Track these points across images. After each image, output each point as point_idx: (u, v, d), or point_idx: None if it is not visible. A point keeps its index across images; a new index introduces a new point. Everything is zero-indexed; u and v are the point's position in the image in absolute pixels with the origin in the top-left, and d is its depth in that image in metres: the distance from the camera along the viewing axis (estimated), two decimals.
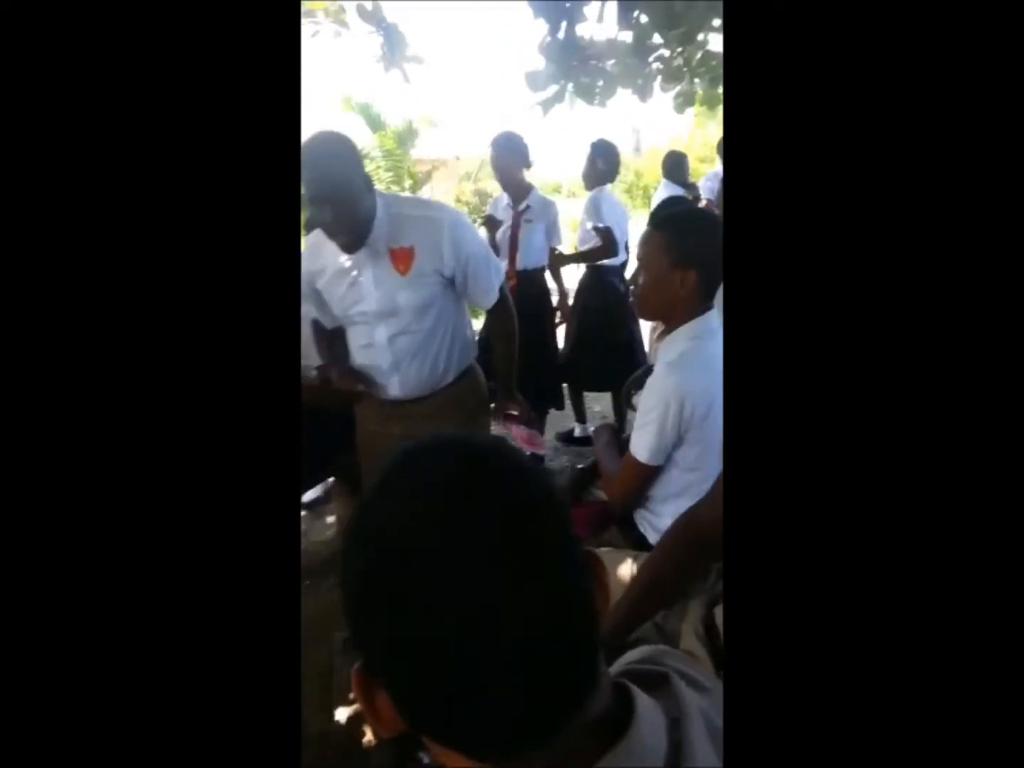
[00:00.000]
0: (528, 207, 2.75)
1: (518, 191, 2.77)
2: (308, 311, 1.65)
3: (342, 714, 1.61)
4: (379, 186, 2.87)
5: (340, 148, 1.37)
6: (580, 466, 1.89)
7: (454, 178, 9.65)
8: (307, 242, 1.58)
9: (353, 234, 1.41)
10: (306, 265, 1.56)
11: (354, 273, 1.50)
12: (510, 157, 2.74)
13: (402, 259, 1.46)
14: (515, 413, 1.72)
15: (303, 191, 1.31)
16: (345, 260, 1.49)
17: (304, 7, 2.58)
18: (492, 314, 1.67)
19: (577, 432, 3.23)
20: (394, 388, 1.60)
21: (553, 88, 2.64)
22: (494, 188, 8.29)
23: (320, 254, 1.53)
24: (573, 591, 0.37)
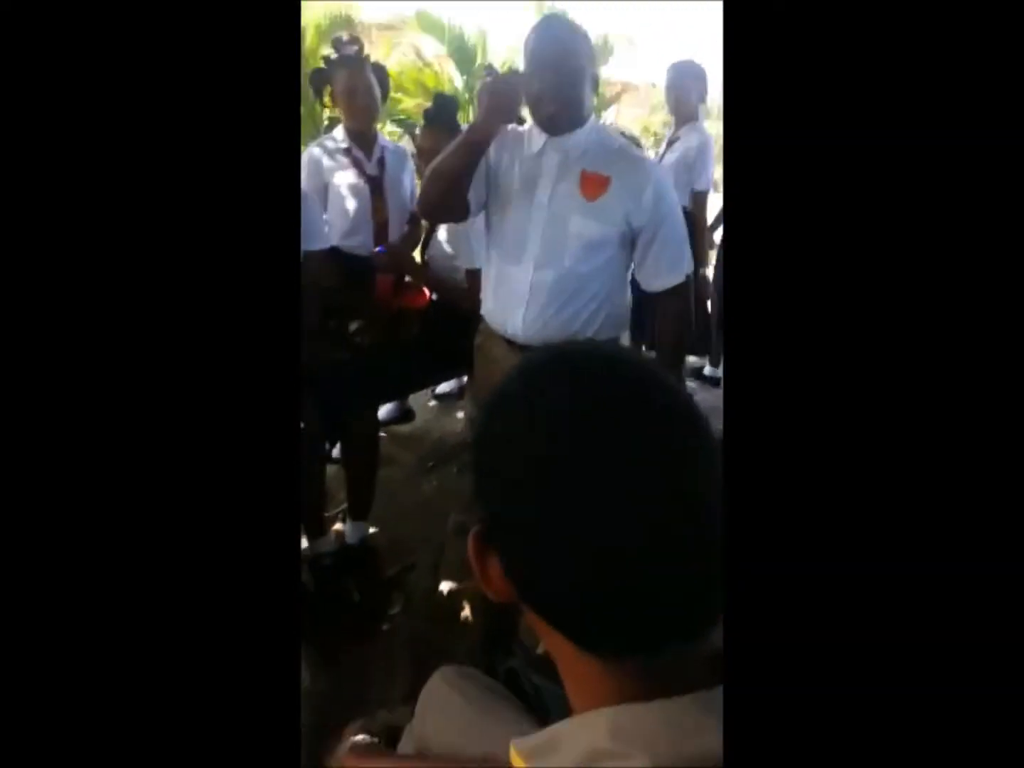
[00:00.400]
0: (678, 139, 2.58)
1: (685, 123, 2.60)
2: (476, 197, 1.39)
3: (445, 586, 1.75)
4: None
5: (577, 30, 1.32)
6: None
7: (645, 106, 9.12)
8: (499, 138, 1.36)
9: (565, 109, 1.27)
10: (492, 150, 1.36)
11: (533, 172, 1.32)
12: (686, 83, 2.56)
13: (593, 185, 1.29)
14: None
15: (527, 58, 1.29)
16: (529, 156, 1.34)
17: None
18: (669, 298, 1.40)
19: (707, 371, 3.11)
20: (515, 324, 1.35)
21: None
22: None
23: (499, 150, 1.37)
24: (701, 524, 0.37)
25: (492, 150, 1.36)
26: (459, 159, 1.29)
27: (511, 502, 0.39)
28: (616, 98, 7.26)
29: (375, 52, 5.62)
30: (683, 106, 2.65)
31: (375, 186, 2.01)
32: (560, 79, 1.25)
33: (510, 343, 1.39)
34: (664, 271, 1.37)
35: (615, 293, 1.39)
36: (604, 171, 1.30)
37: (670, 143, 2.74)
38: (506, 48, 6.27)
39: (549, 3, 6.50)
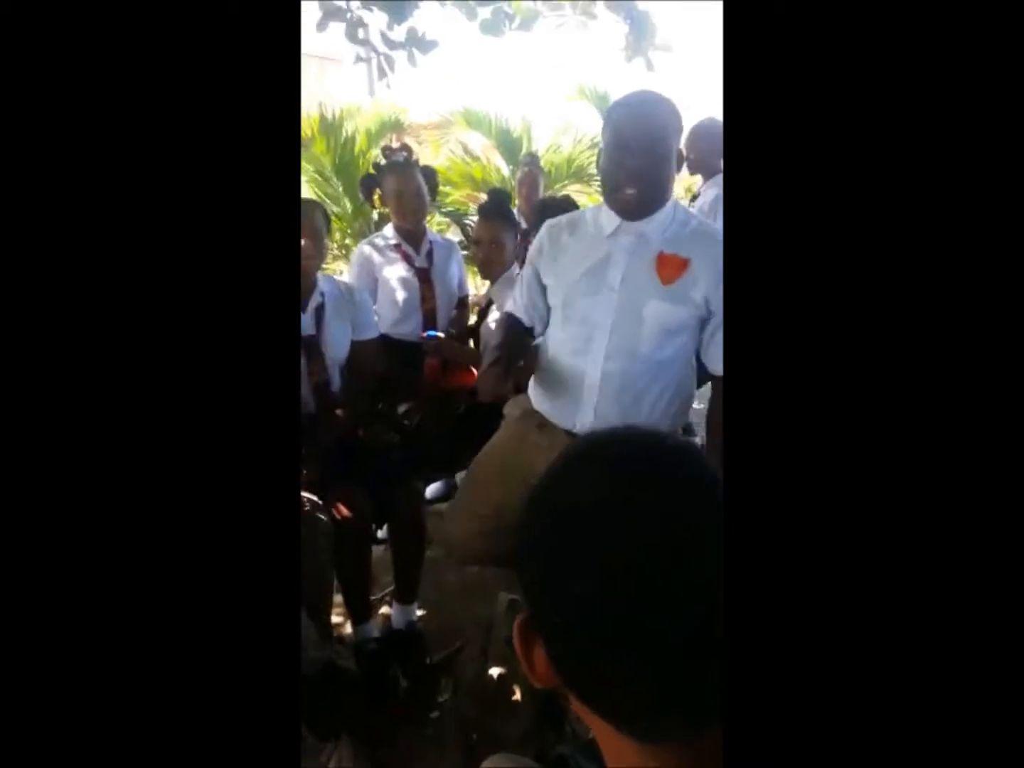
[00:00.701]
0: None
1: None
2: (521, 299, 1.40)
3: (495, 670, 1.72)
4: None
5: (670, 108, 1.20)
6: None
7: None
8: (546, 227, 1.35)
9: (646, 195, 1.17)
10: (535, 253, 1.34)
11: (601, 255, 1.23)
12: (709, 143, 2.65)
13: (670, 267, 1.19)
14: None
15: (610, 137, 1.19)
16: (594, 241, 1.25)
17: (552, 1, 2.68)
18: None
19: None
20: (583, 420, 1.26)
21: None
22: None
23: (561, 236, 1.29)
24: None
25: (546, 241, 1.32)
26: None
27: (554, 592, 0.40)
28: None
29: (424, 151, 6.01)
30: (705, 164, 2.75)
31: (423, 277, 2.14)
32: (647, 162, 1.15)
33: (570, 435, 1.29)
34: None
35: (687, 378, 1.31)
36: (682, 252, 1.20)
37: (693, 199, 2.85)
38: (551, 132, 6.61)
39: (590, 87, 6.86)
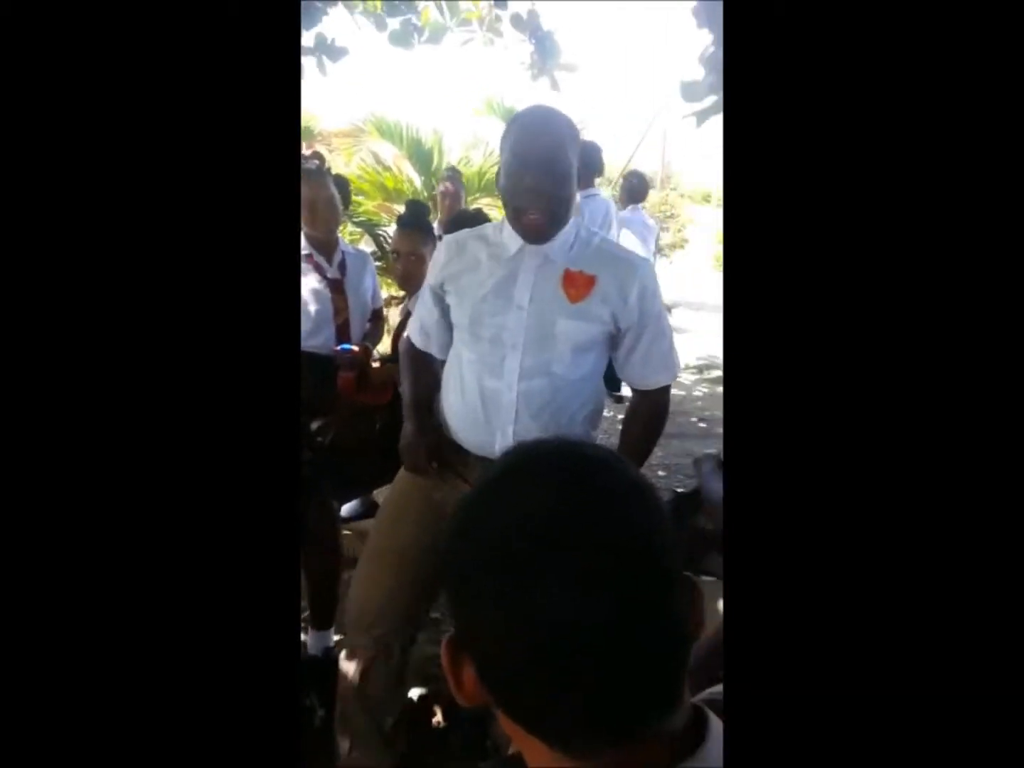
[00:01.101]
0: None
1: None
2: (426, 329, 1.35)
3: (415, 692, 1.68)
4: None
5: (567, 122, 1.17)
6: (681, 490, 1.85)
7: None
8: (445, 243, 1.32)
9: (550, 215, 1.13)
10: (436, 270, 1.29)
11: (507, 272, 1.20)
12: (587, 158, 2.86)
13: (578, 284, 1.18)
14: None
15: (508, 154, 1.15)
16: (498, 259, 1.22)
17: (459, 17, 2.70)
18: (651, 396, 1.32)
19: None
20: (504, 443, 1.20)
21: (711, 99, 2.58)
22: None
23: (462, 253, 1.26)
24: (666, 610, 0.39)
25: (442, 263, 1.28)
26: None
27: (483, 608, 0.40)
28: None
29: (335, 159, 5.89)
30: (583, 178, 3.10)
31: (336, 288, 2.08)
32: (548, 181, 1.11)
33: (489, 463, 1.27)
34: (655, 370, 1.28)
35: (598, 394, 1.32)
36: (588, 270, 1.19)
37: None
38: (461, 145, 6.66)
39: (498, 101, 6.96)
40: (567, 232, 1.21)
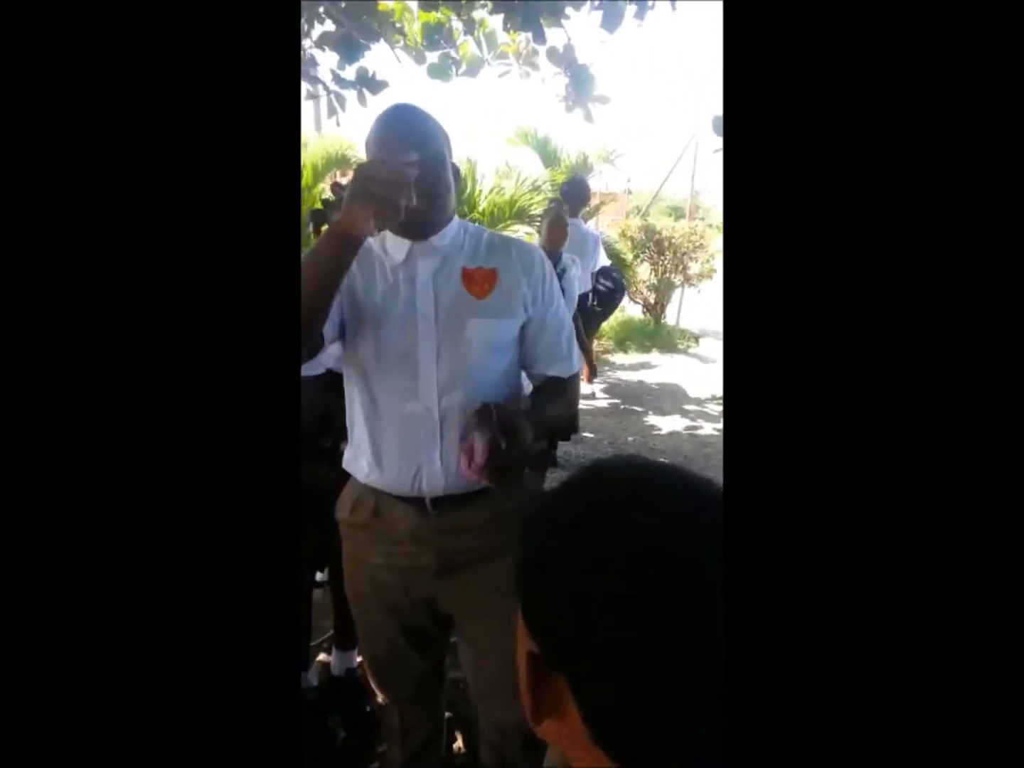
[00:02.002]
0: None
1: None
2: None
3: None
4: None
5: (429, 116, 1.08)
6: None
7: (621, 212, 9.70)
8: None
9: (431, 207, 1.02)
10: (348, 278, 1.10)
11: (402, 284, 1.07)
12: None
13: (479, 280, 1.08)
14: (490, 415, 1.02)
15: (370, 150, 1.03)
16: (389, 268, 1.08)
17: (496, 50, 2.78)
18: (553, 387, 1.18)
19: None
20: (431, 474, 1.07)
21: None
22: (664, 224, 8.22)
23: (365, 259, 1.08)
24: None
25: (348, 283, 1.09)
26: (311, 281, 0.90)
27: (583, 626, 0.39)
28: (595, 210, 7.73)
29: None
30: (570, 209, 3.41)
31: None
32: (421, 172, 0.97)
33: (416, 503, 1.09)
34: (557, 359, 1.16)
35: (519, 391, 1.19)
36: (486, 264, 1.09)
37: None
38: (494, 173, 6.78)
39: (531, 131, 7.08)
40: (453, 228, 1.10)
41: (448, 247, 1.09)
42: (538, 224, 4.03)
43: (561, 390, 1.18)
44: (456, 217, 1.13)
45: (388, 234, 1.08)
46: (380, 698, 1.30)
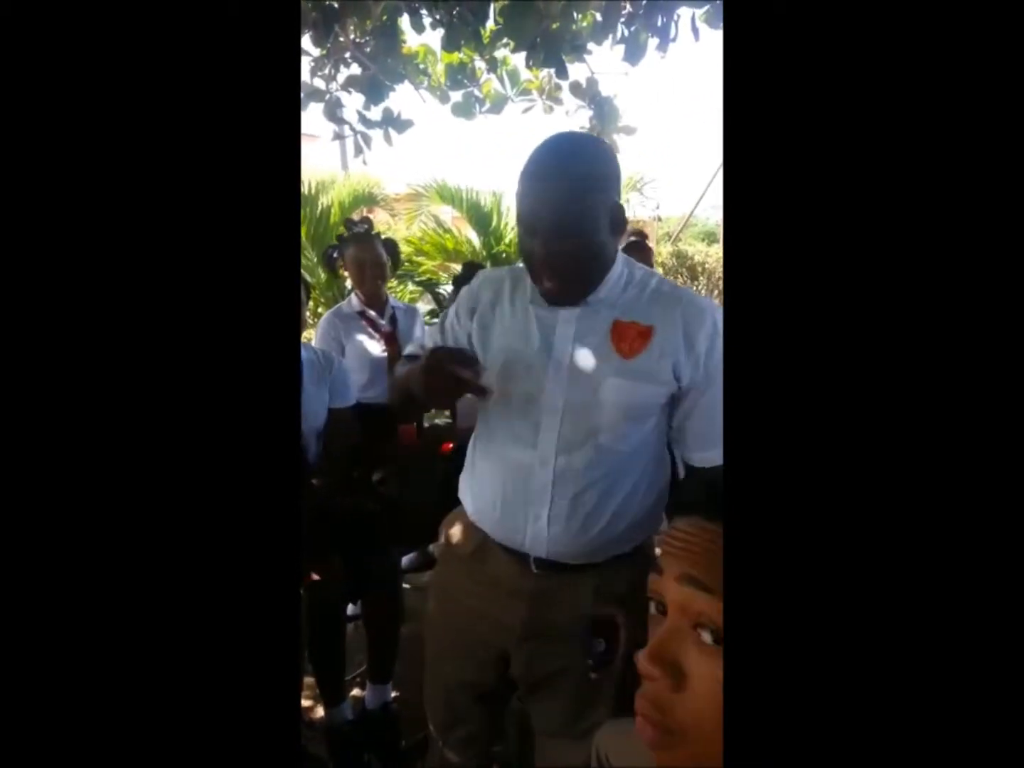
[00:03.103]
0: None
1: None
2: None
3: None
4: None
5: (593, 156, 0.89)
6: None
7: (652, 239, 9.70)
8: (481, 273, 1.08)
9: (569, 280, 0.91)
10: (466, 297, 1.04)
11: (539, 323, 0.96)
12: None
13: (630, 337, 0.94)
14: None
15: (518, 211, 0.92)
16: (530, 304, 0.98)
17: (519, 87, 2.84)
18: (712, 479, 0.94)
19: None
20: (535, 532, 0.96)
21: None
22: (696, 250, 8.18)
23: (494, 288, 1.01)
24: None
25: (482, 298, 1.03)
26: (401, 404, 1.08)
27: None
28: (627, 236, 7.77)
29: (398, 223, 6.15)
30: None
31: (389, 340, 2.18)
32: (558, 245, 0.87)
33: (519, 556, 0.99)
34: (703, 446, 0.99)
35: (660, 471, 1.02)
36: (643, 319, 0.94)
37: None
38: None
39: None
40: (612, 279, 0.96)
41: (602, 300, 0.96)
42: None
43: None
44: (622, 257, 0.99)
45: None
46: (432, 732, 1.25)
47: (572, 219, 0.87)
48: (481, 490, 1.02)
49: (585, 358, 0.94)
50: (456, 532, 1.09)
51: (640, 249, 2.98)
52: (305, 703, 1.73)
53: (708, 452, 0.99)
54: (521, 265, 1.01)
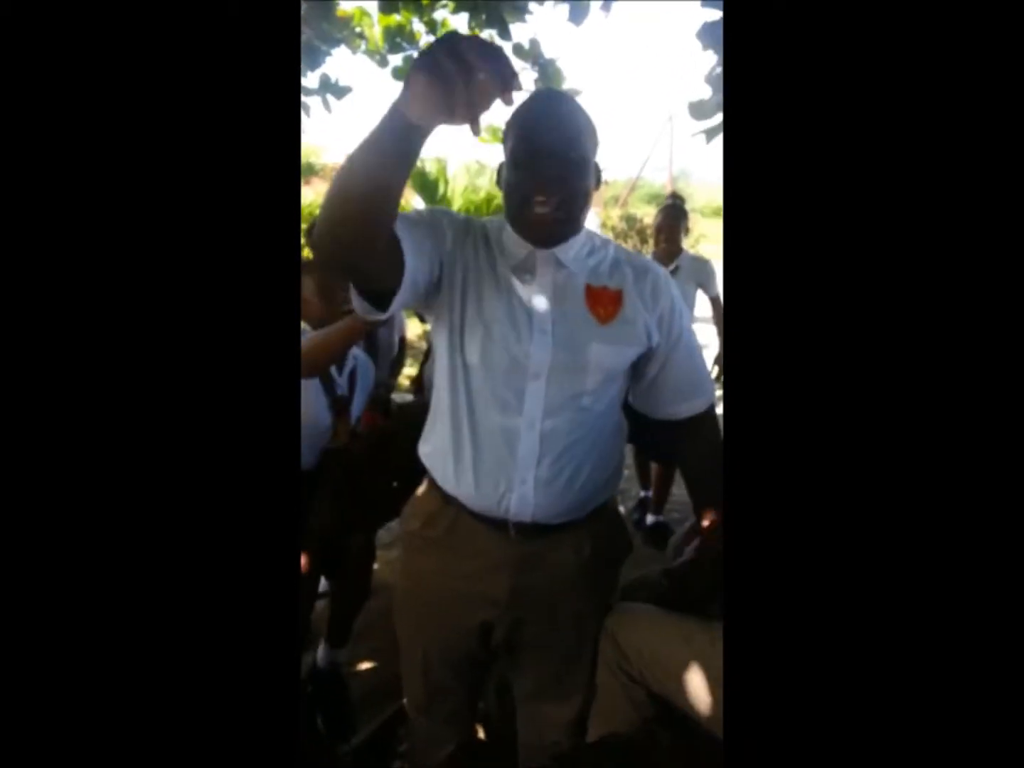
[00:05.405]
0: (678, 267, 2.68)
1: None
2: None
3: None
4: None
5: (582, 109, 0.95)
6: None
7: (599, 203, 9.71)
8: (450, 217, 1.01)
9: (564, 209, 0.92)
10: (444, 231, 0.97)
11: (521, 288, 0.97)
12: (679, 222, 2.67)
13: (605, 302, 0.98)
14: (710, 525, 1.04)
15: (517, 142, 0.92)
16: (503, 270, 0.98)
17: None
18: (698, 424, 1.09)
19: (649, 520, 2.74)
20: (521, 504, 0.98)
21: (719, 117, 2.61)
22: (645, 212, 8.17)
23: (466, 245, 0.98)
24: None
25: (451, 237, 0.97)
26: (371, 167, 0.71)
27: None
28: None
29: None
30: (674, 243, 2.75)
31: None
32: (564, 171, 0.90)
33: (499, 526, 1.00)
34: (692, 393, 1.07)
35: (621, 432, 1.08)
36: (611, 284, 0.99)
37: (672, 273, 2.85)
38: (466, 173, 6.75)
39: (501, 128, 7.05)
40: (580, 239, 0.99)
41: (572, 259, 0.98)
42: None
43: (704, 430, 1.09)
44: (584, 227, 1.01)
45: (508, 230, 0.98)
46: (411, 712, 1.23)
47: (578, 148, 0.92)
48: (458, 459, 1.00)
49: (566, 325, 0.97)
50: (421, 515, 1.08)
51: (676, 214, 2.75)
52: None
53: (692, 401, 1.08)
54: (481, 220, 1.02)
